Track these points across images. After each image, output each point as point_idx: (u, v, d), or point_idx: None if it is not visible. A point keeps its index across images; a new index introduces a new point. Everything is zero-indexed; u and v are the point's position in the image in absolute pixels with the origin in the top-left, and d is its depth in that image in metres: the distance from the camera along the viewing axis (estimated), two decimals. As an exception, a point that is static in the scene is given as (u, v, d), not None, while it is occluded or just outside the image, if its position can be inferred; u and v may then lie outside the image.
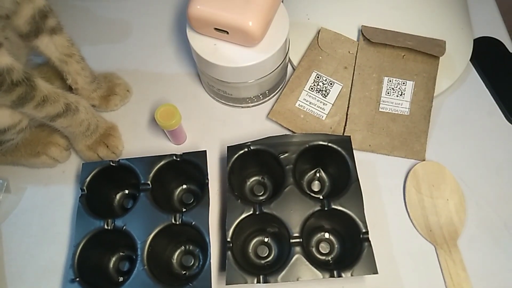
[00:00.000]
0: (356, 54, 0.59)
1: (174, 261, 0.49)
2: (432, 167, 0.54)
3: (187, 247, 0.50)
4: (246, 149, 0.50)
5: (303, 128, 0.56)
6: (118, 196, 0.54)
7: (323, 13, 0.62)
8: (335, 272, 0.43)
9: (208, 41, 0.52)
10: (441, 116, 0.58)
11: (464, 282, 0.48)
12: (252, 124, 0.58)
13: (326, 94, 0.58)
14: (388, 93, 0.57)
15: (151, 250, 0.45)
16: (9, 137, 0.49)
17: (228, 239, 0.45)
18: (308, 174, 0.54)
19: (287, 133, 0.55)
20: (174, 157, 0.50)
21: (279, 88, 0.60)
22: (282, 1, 0.53)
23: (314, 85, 0.58)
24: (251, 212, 0.47)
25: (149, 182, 0.49)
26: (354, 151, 0.50)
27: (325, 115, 0.57)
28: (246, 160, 0.51)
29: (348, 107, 0.57)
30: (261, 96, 0.58)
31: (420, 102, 0.56)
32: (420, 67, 0.58)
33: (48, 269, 0.51)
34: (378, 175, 0.54)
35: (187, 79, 0.63)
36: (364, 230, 0.45)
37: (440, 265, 0.49)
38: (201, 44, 0.51)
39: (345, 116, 0.57)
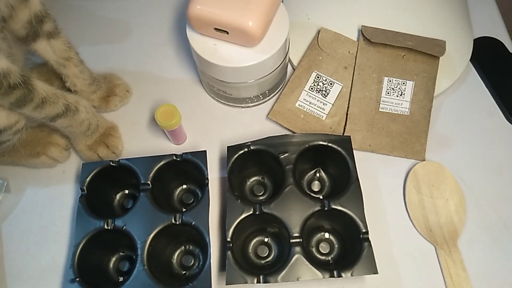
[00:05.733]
0: (356, 54, 0.59)
1: (174, 261, 0.49)
2: (432, 167, 0.54)
3: (187, 247, 0.50)
4: (246, 149, 0.50)
5: (303, 128, 0.56)
6: (118, 196, 0.54)
7: (323, 13, 0.62)
8: (335, 272, 0.43)
9: (208, 41, 0.52)
10: (441, 116, 0.58)
11: (464, 282, 0.48)
12: (252, 124, 0.58)
13: (326, 94, 0.58)
14: (388, 93, 0.57)
15: (151, 250, 0.45)
16: (6, 138, 0.49)
17: (228, 239, 0.45)
18: (308, 174, 0.54)
19: (287, 133, 0.55)
20: (174, 157, 0.50)
21: (279, 88, 0.60)
22: (282, 1, 0.53)
23: (314, 85, 0.58)
24: (251, 212, 0.47)
25: (149, 182, 0.49)
26: (354, 151, 0.50)
27: (325, 115, 0.57)
28: (246, 160, 0.51)
29: (348, 107, 0.57)
30: (261, 96, 0.58)
31: (420, 102, 0.56)
32: (420, 67, 0.58)
33: (48, 269, 0.51)
34: (378, 175, 0.54)
35: (187, 79, 0.62)
36: (364, 230, 0.45)
37: (440, 265, 0.49)
38: (201, 44, 0.51)
39: (345, 116, 0.57)
